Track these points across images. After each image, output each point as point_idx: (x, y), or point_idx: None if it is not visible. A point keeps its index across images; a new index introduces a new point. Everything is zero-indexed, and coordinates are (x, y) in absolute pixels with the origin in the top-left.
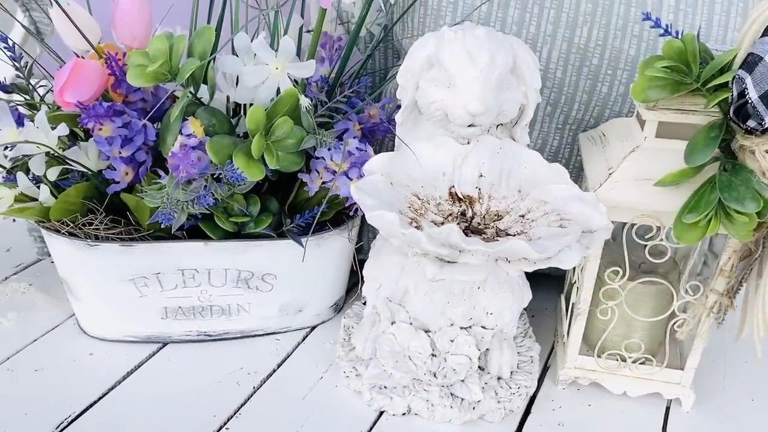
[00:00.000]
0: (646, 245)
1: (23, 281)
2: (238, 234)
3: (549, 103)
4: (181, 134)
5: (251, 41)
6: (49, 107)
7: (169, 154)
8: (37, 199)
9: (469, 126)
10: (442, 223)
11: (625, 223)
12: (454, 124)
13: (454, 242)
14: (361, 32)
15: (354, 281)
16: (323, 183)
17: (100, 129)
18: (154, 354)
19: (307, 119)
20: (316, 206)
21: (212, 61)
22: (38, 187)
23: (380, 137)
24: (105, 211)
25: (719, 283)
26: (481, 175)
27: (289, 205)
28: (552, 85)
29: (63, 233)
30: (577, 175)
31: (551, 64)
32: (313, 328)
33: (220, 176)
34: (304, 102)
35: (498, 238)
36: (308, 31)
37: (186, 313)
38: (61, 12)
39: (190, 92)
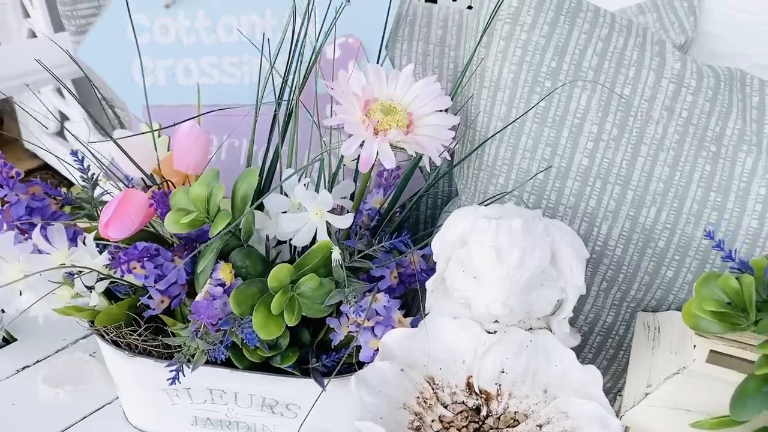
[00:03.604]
0: None
1: (88, 349)
2: (266, 363)
3: (605, 279)
4: (211, 278)
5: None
6: None
7: (194, 302)
8: None
9: (494, 322)
10: (450, 423)
11: None
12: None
13: None
14: (422, 161)
15: None
16: (350, 331)
17: (135, 268)
18: None
19: (338, 272)
20: (343, 349)
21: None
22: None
23: (417, 286)
24: (151, 317)
25: None
26: (503, 371)
27: (320, 341)
28: (610, 262)
29: (106, 339)
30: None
31: (611, 240)
32: None
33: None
34: (336, 256)
35: None
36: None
37: (214, 424)
38: (120, 143)
39: (230, 231)
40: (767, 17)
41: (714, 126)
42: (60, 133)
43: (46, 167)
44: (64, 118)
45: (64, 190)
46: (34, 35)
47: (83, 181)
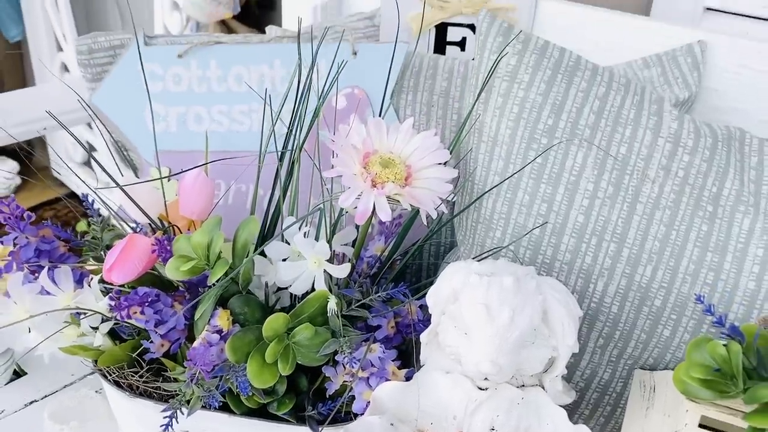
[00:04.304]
0: None
1: (95, 386)
2: (263, 409)
3: (602, 335)
4: (209, 324)
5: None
6: None
7: (190, 349)
8: None
9: (485, 379)
10: None
11: None
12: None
13: None
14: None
15: None
16: (345, 381)
17: (135, 313)
18: None
19: (334, 321)
20: (339, 397)
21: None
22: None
23: (414, 336)
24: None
25: None
26: (494, 429)
27: (317, 388)
28: (606, 319)
29: (109, 380)
30: None
31: (607, 297)
32: None
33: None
34: (332, 306)
35: None
36: None
37: None
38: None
39: (232, 278)
40: None
41: (711, 186)
42: (87, 163)
43: (73, 195)
44: (91, 149)
45: (81, 227)
46: (66, 69)
47: (92, 223)
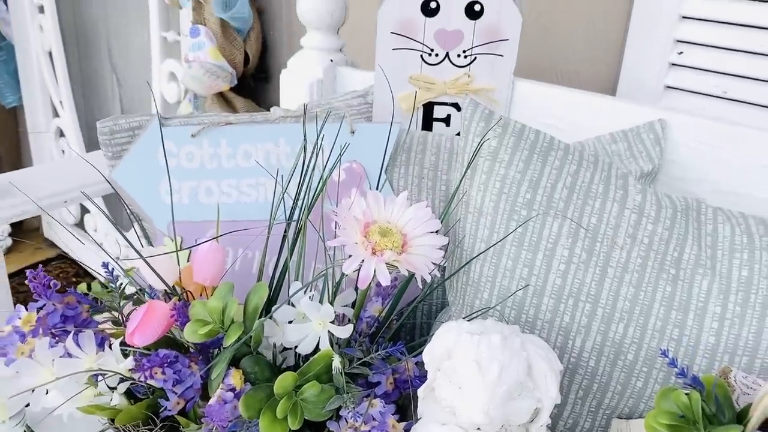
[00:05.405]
0: None
1: None
2: None
3: (581, 388)
4: (223, 383)
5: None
6: None
7: (207, 405)
8: None
9: (477, 429)
10: None
11: None
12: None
13: None
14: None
15: None
16: None
17: (156, 373)
18: None
19: (338, 379)
20: None
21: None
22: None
23: (411, 391)
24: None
25: None
26: None
27: None
28: (584, 373)
29: None
30: None
31: (584, 353)
32: None
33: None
34: (336, 364)
35: None
36: None
37: None
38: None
39: (245, 342)
40: (725, 149)
41: (672, 251)
42: (79, 225)
43: (63, 256)
44: (84, 210)
45: (82, 288)
46: (62, 134)
47: (110, 291)
